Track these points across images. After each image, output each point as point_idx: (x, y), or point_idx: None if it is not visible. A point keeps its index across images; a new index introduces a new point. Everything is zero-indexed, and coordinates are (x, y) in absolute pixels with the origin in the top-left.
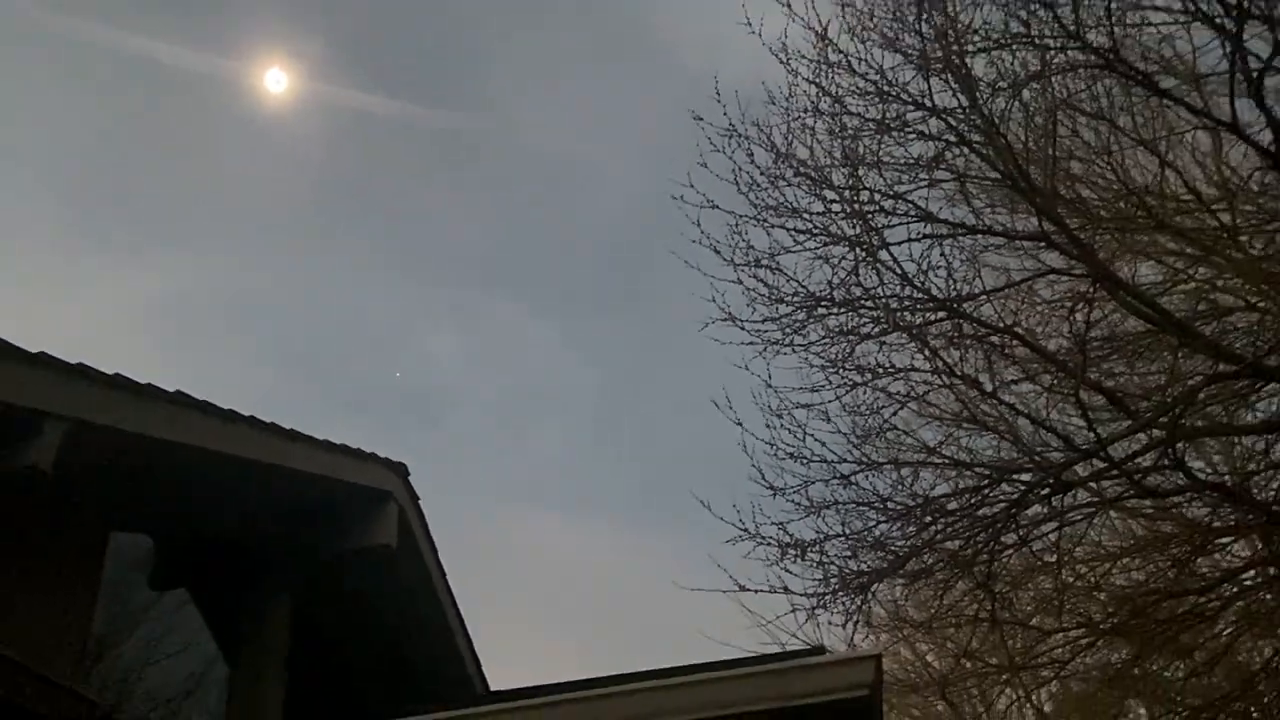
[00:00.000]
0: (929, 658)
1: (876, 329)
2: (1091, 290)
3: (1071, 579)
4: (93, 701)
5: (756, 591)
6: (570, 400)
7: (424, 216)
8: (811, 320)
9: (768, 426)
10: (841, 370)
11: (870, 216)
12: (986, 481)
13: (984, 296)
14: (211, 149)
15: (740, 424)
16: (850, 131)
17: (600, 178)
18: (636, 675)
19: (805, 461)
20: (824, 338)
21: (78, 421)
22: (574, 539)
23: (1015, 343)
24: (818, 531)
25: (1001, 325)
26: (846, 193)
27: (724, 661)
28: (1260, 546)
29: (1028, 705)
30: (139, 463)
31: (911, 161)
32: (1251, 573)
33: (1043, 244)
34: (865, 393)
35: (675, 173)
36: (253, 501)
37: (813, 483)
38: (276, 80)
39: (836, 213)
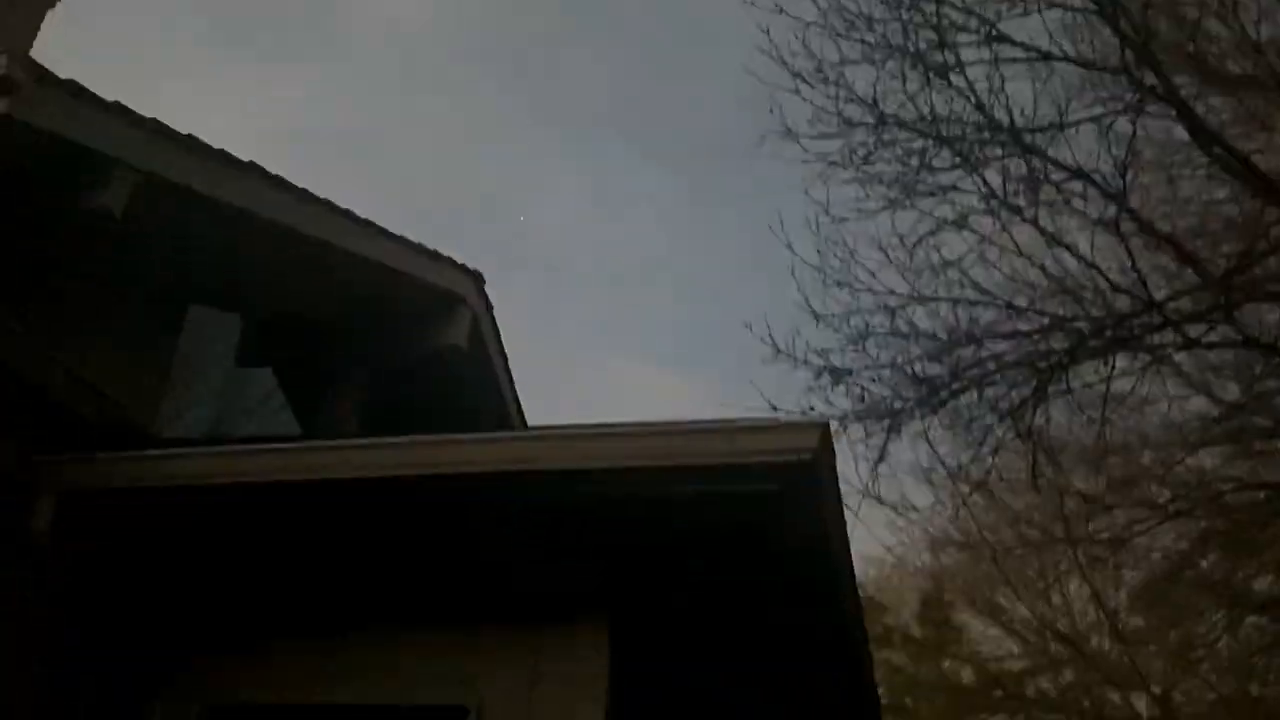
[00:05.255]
0: (986, 524)
1: (935, 156)
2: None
3: (1148, 461)
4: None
5: (786, 413)
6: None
7: (553, 65)
8: (879, 145)
9: (818, 252)
10: (902, 200)
11: (944, 31)
12: (1041, 327)
13: (1054, 130)
14: None
15: (790, 247)
16: None
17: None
18: (578, 425)
19: (853, 290)
20: (887, 159)
21: (149, 174)
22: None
23: (1089, 187)
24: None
25: (1075, 167)
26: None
27: (671, 421)
28: None
29: (1084, 583)
30: (213, 230)
31: None
32: None
33: (1125, 76)
34: (922, 222)
35: None
36: (325, 287)
37: (857, 313)
38: None
39: (909, 22)
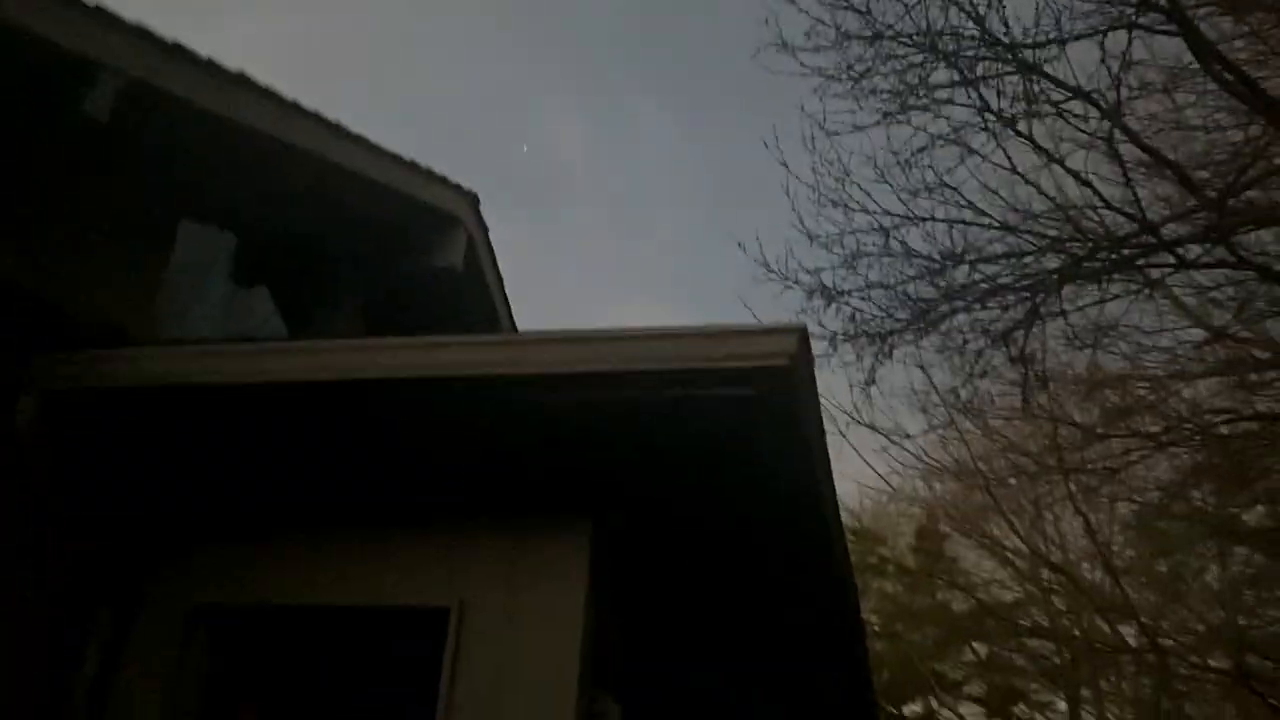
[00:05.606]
0: (980, 453)
1: (932, 72)
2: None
3: (1143, 391)
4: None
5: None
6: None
7: None
8: (876, 60)
9: (813, 171)
10: (896, 114)
11: None
12: (1035, 248)
13: (1054, 45)
14: None
15: (785, 165)
16: None
17: None
18: (559, 330)
19: (846, 210)
20: (884, 74)
21: (135, 80)
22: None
23: (1089, 108)
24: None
25: (1075, 86)
26: None
27: (651, 326)
28: None
29: (1076, 513)
30: (203, 142)
31: None
32: None
33: None
34: (916, 138)
35: None
36: (319, 205)
37: (850, 232)
38: None
39: None
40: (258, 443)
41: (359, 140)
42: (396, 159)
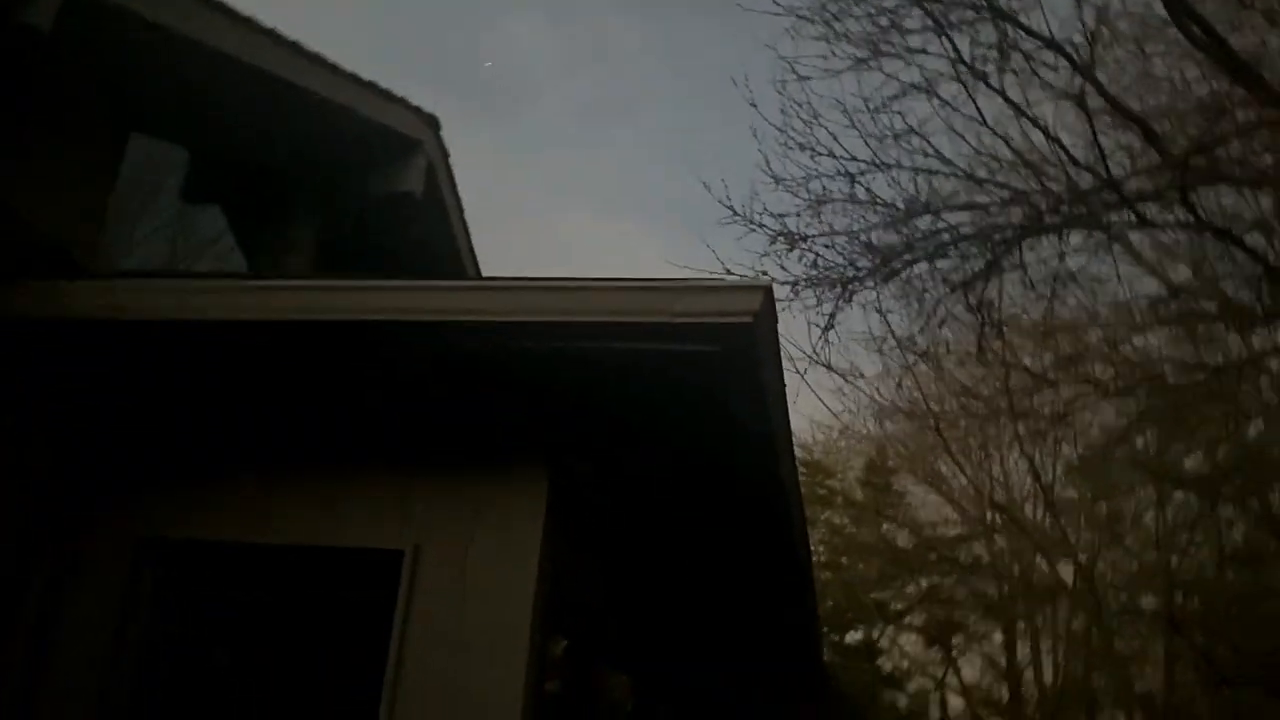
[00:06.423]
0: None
1: (906, 16)
2: None
3: (1094, 340)
4: None
5: (740, 276)
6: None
7: None
8: (851, 1)
9: (782, 112)
10: (868, 60)
11: None
12: (999, 200)
13: None
14: None
15: (755, 105)
16: None
17: None
18: (526, 277)
19: (814, 154)
20: (858, 16)
21: None
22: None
23: (1059, 58)
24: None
25: (1048, 36)
26: None
27: (617, 278)
28: None
29: (1022, 455)
30: (152, 55)
31: None
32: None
33: None
34: (886, 86)
35: None
36: (273, 124)
37: (816, 176)
38: None
39: None
40: (211, 380)
41: (316, 59)
42: (355, 79)
